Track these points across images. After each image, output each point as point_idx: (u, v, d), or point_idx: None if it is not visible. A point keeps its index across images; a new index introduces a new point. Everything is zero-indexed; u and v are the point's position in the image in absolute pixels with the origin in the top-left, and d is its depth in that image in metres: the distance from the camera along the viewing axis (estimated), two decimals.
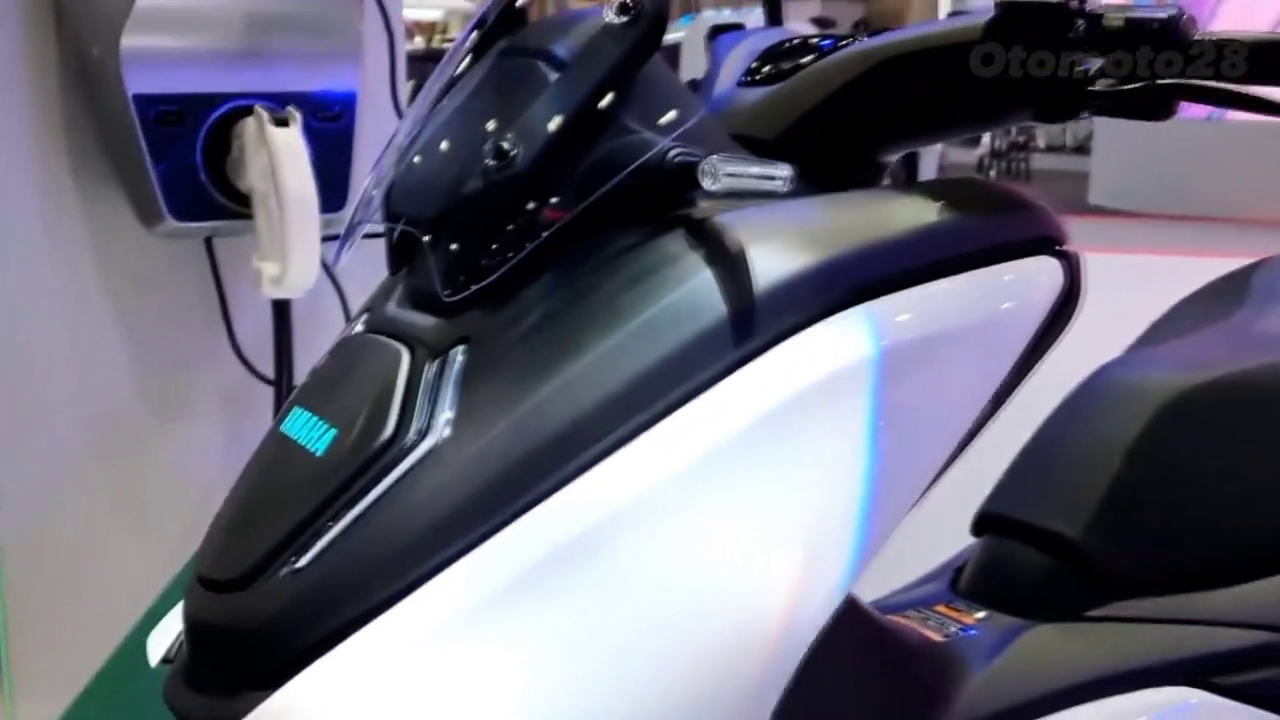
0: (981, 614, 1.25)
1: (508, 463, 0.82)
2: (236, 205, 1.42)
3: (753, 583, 0.81)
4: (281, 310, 1.48)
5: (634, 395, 0.82)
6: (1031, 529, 1.27)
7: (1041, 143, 18.25)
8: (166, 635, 0.97)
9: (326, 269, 1.53)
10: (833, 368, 0.84)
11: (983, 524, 1.33)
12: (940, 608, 1.26)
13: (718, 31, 1.18)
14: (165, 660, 0.95)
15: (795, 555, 0.82)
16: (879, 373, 0.84)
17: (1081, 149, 15.98)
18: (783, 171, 0.81)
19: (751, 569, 0.81)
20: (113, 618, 1.60)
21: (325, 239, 1.44)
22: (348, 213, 1.51)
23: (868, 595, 1.17)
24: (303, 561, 0.83)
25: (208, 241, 1.51)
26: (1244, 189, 9.49)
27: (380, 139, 1.02)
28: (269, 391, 1.57)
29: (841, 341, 0.84)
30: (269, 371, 1.56)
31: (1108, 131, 12.41)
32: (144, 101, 1.37)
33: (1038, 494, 1.30)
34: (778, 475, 0.83)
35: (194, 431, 1.60)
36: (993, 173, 15.86)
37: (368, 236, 1.44)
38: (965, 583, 1.31)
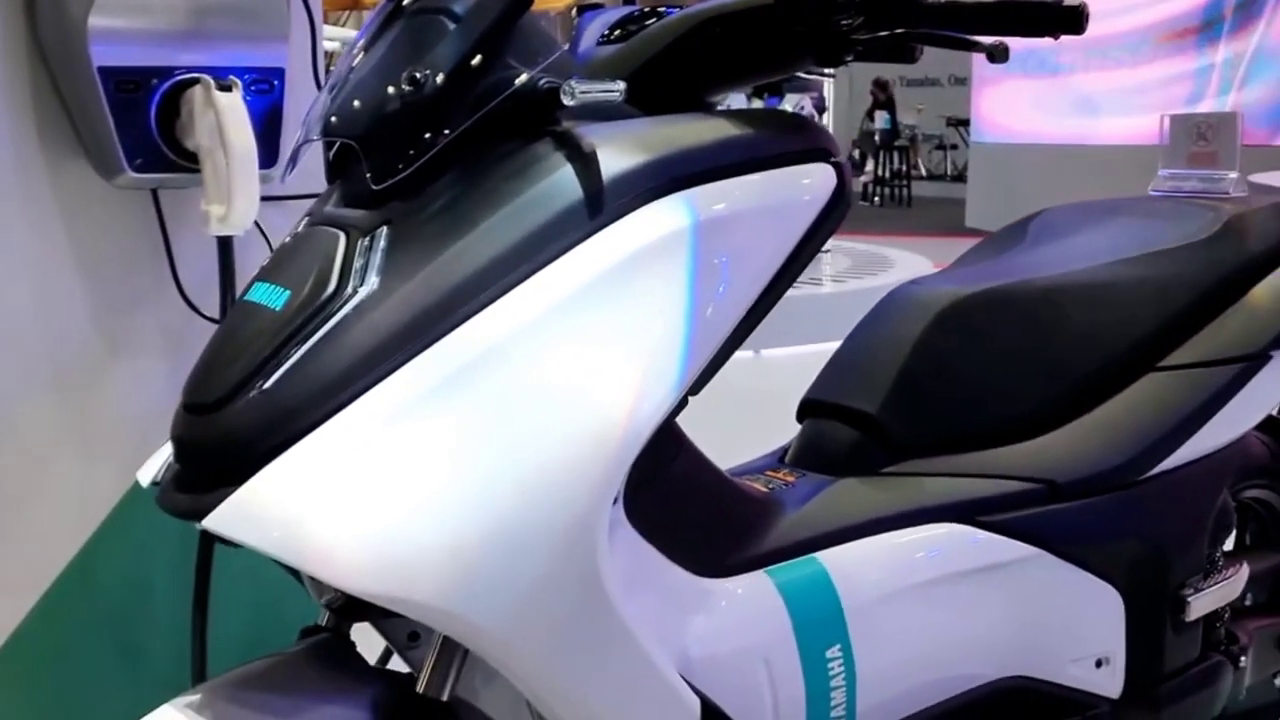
0: (800, 475, 1.56)
1: (421, 308, 1.11)
2: (183, 161, 1.68)
3: (604, 388, 1.11)
4: (225, 249, 1.74)
5: (513, 256, 1.12)
6: (841, 409, 1.59)
7: (924, 171, 18.94)
8: (154, 464, 1.23)
9: (260, 229, 1.80)
10: (660, 235, 1.14)
11: (804, 409, 1.64)
12: (769, 473, 1.57)
13: (584, 9, 1.48)
14: (154, 482, 1.20)
15: (635, 369, 1.12)
16: (694, 240, 1.15)
17: (960, 177, 16.67)
18: (619, 85, 1.11)
19: (603, 378, 1.11)
20: (65, 528, 1.83)
21: (263, 199, 1.71)
22: (278, 171, 1.78)
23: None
24: (267, 385, 1.10)
25: (154, 194, 1.77)
26: None
27: (304, 108, 1.30)
28: (207, 329, 1.80)
29: (667, 217, 1.15)
30: (209, 311, 1.82)
31: (980, 162, 13.07)
32: (107, 73, 1.62)
33: (847, 382, 1.62)
34: (622, 312, 1.12)
35: (138, 363, 1.83)
36: (876, 200, 16.50)
37: (290, 198, 1.72)
38: (791, 455, 1.62)
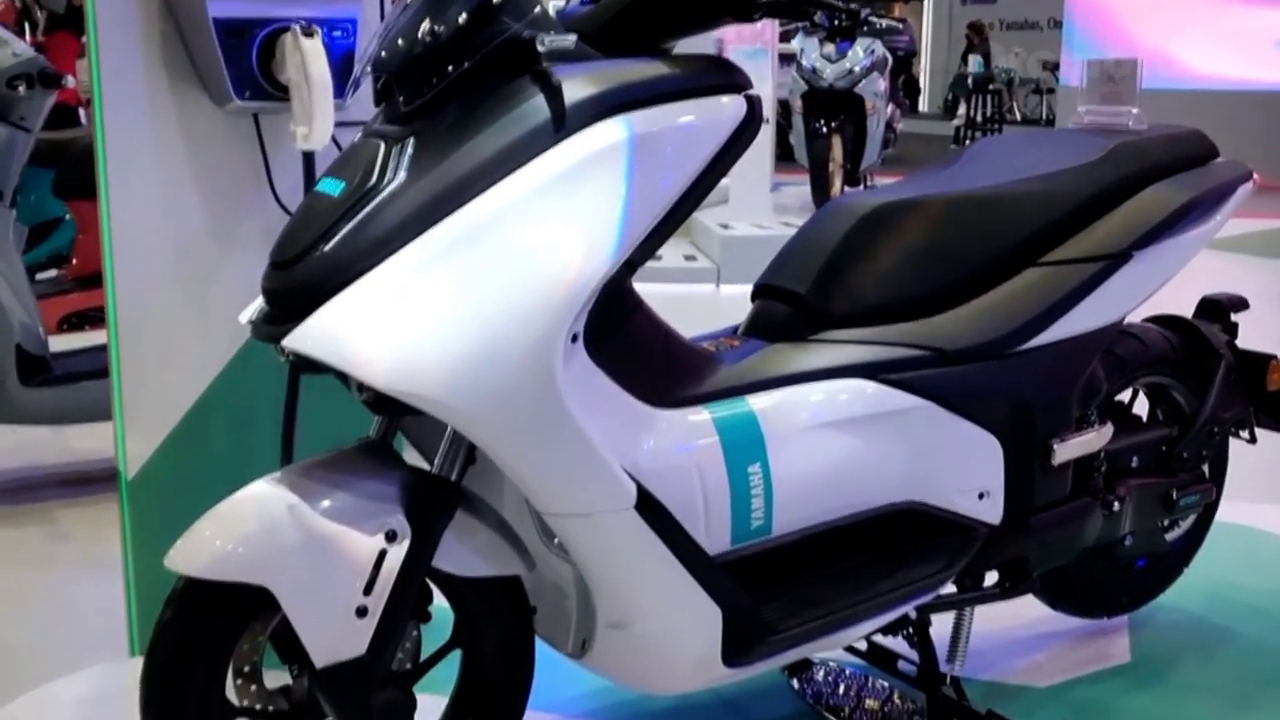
0: (745, 341, 1.98)
1: (434, 194, 1.56)
2: (277, 92, 2.15)
3: (559, 251, 1.55)
4: (308, 162, 2.21)
5: (499, 159, 1.57)
6: (780, 290, 2.01)
7: (1019, 115, 18.95)
8: (250, 309, 1.70)
9: (336, 144, 2.26)
10: (605, 145, 1.58)
11: (756, 291, 2.07)
12: (722, 340, 2.00)
13: None
14: (250, 321, 1.68)
15: (583, 239, 1.56)
16: (630, 149, 1.59)
17: (1052, 122, 16.71)
18: (571, 37, 1.55)
19: (559, 245, 1.55)
20: (188, 378, 2.34)
21: (338, 123, 2.17)
22: (349, 99, 2.24)
23: None
24: (327, 248, 1.57)
25: (255, 118, 2.25)
26: None
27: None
28: None
29: (611, 132, 1.59)
30: None
31: (1068, 105, 13.19)
32: (219, 23, 2.10)
33: (787, 269, 2.04)
34: (575, 199, 1.57)
35: (243, 252, 2.31)
36: (967, 143, 16.57)
37: (356, 123, 2.16)
38: (742, 327, 2.05)
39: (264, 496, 1.63)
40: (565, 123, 1.58)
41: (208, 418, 2.35)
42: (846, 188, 8.13)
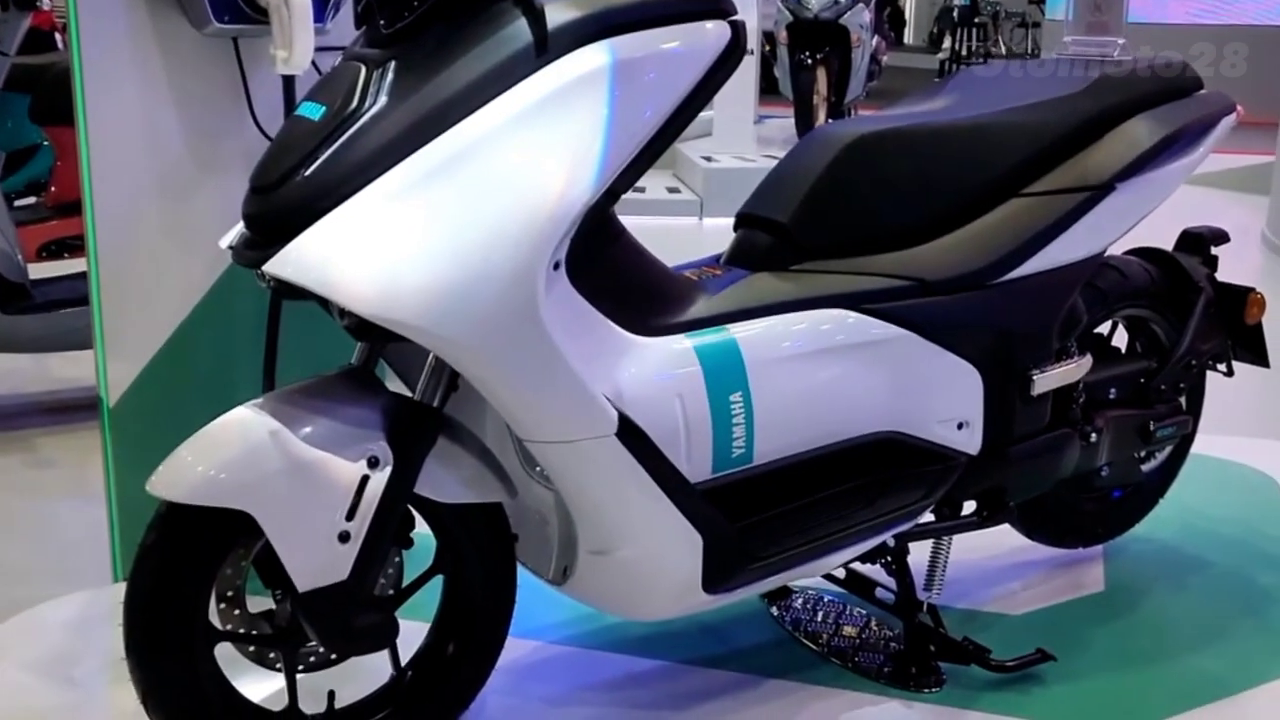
0: (728, 270, 1.98)
1: (415, 119, 1.55)
2: (257, 15, 2.12)
3: (540, 177, 1.55)
4: (289, 86, 2.19)
5: (481, 85, 1.56)
6: (763, 220, 2.01)
7: (1005, 49, 18.81)
8: (231, 234, 1.69)
9: (316, 69, 2.23)
10: (587, 70, 1.57)
11: (738, 221, 2.07)
12: (704, 268, 2.00)
13: None
14: (230, 246, 1.67)
15: (564, 166, 1.55)
16: (613, 75, 1.58)
17: (1037, 57, 16.61)
18: None
19: (540, 171, 1.55)
20: (169, 304, 2.33)
21: (319, 48, 2.14)
22: (330, 24, 2.21)
23: None
24: (308, 172, 1.56)
25: (234, 42, 2.22)
26: None
27: None
28: None
29: (593, 57, 1.58)
30: None
31: (1053, 37, 13.09)
32: None
33: (769, 199, 2.03)
34: (556, 126, 1.56)
35: (223, 178, 2.29)
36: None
37: (338, 48, 2.13)
38: (724, 256, 2.05)
39: (246, 422, 1.63)
40: (548, 47, 1.57)
41: (189, 344, 2.34)
42: (831, 120, 8.09)
